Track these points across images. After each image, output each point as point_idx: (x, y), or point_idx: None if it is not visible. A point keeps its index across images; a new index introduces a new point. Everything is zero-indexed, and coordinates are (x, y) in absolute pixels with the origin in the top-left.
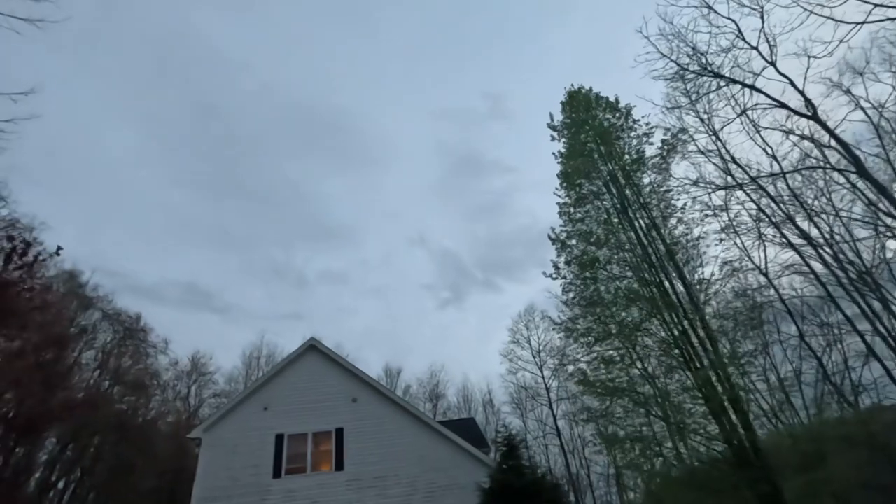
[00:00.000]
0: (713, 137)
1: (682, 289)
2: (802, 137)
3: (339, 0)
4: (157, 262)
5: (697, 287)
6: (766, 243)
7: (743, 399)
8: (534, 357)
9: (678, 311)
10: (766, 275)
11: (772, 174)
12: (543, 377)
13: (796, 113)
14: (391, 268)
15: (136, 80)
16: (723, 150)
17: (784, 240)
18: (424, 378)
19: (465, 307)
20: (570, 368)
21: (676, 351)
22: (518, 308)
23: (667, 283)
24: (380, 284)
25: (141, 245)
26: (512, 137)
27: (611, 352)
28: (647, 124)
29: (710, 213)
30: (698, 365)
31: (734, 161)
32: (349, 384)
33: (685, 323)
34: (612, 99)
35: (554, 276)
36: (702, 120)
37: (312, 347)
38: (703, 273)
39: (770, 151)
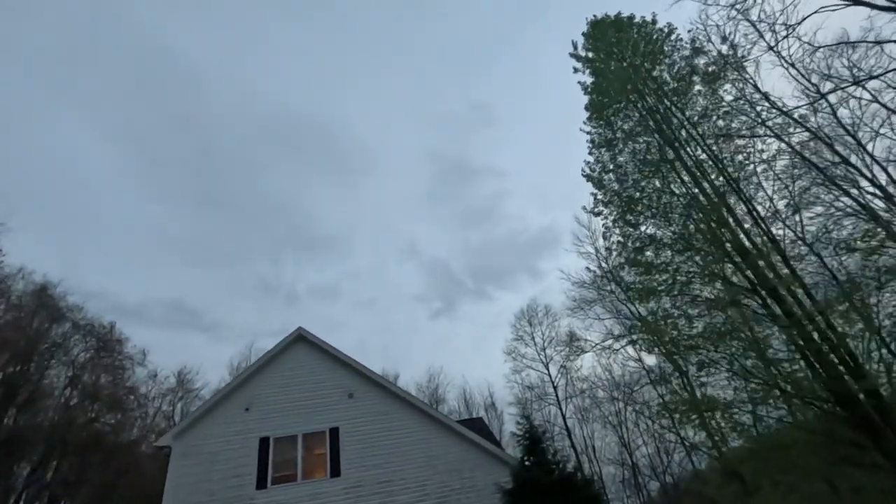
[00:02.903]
0: (737, 76)
1: (749, 226)
2: (877, 43)
3: (319, 8)
4: (140, 281)
5: (772, 220)
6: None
7: (860, 349)
8: (538, 354)
9: (750, 251)
10: (802, 238)
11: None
12: (550, 374)
13: (878, 7)
14: (382, 280)
15: (111, 96)
16: (749, 91)
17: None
18: (423, 382)
19: (457, 316)
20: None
21: (757, 298)
22: (512, 313)
23: (731, 221)
24: (371, 297)
25: (123, 264)
26: (500, 141)
27: (667, 305)
28: (694, 41)
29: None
30: (780, 312)
31: (767, 99)
32: (344, 378)
33: (762, 265)
34: (648, 19)
35: (596, 210)
36: (722, 56)
37: (300, 338)
38: (775, 205)
39: (812, 88)
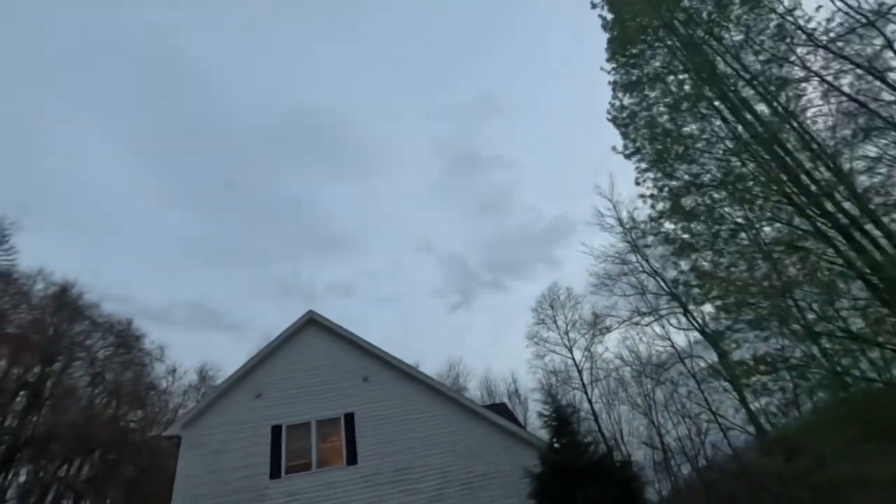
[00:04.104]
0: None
1: (805, 159)
2: None
3: (322, 5)
4: (162, 285)
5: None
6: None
7: None
8: (561, 338)
9: (812, 190)
10: (853, 191)
11: None
12: (574, 359)
13: None
14: (399, 276)
15: (124, 104)
16: (790, 25)
17: None
18: (443, 372)
19: (475, 309)
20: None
21: (823, 240)
22: (530, 303)
23: (788, 158)
24: (388, 294)
25: (145, 267)
26: (509, 130)
27: (714, 257)
28: None
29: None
30: (853, 254)
31: (808, 36)
32: (358, 361)
33: (827, 204)
34: None
35: (626, 153)
36: None
37: (311, 321)
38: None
39: None
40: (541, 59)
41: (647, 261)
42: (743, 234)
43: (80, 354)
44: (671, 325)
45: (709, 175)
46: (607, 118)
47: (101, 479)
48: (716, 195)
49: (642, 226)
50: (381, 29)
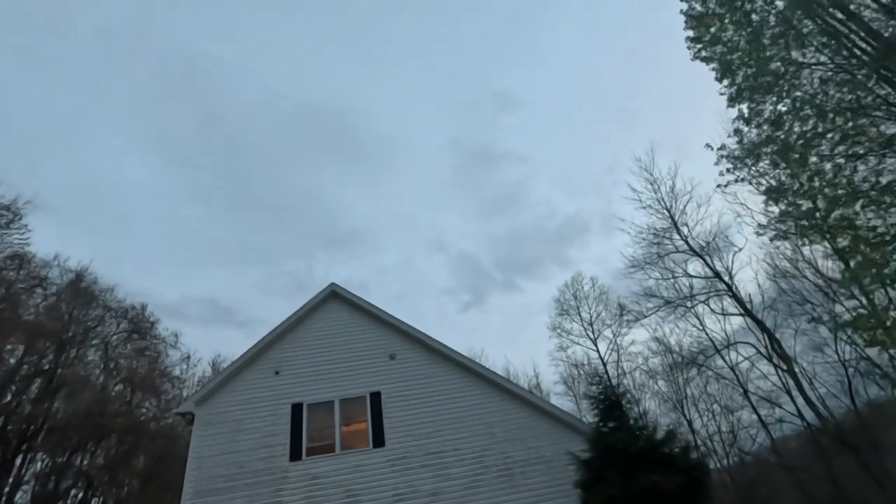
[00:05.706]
0: None
1: None
2: None
3: (334, 2)
4: (175, 281)
5: None
6: None
7: None
8: (585, 330)
9: None
10: None
11: None
12: (598, 351)
13: None
14: (410, 275)
15: (140, 101)
16: None
17: None
18: None
19: (486, 309)
20: None
21: None
22: (542, 303)
23: None
24: (400, 292)
25: (158, 264)
26: (522, 125)
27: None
28: None
29: None
30: None
31: None
32: (383, 337)
33: None
34: None
35: (707, 53)
36: None
37: (334, 294)
38: None
39: None
40: (554, 54)
41: (687, 241)
42: (862, 168)
43: (93, 341)
44: (712, 309)
45: (813, 100)
46: (687, 39)
47: (116, 467)
48: (824, 124)
49: (736, 152)
50: (394, 26)
